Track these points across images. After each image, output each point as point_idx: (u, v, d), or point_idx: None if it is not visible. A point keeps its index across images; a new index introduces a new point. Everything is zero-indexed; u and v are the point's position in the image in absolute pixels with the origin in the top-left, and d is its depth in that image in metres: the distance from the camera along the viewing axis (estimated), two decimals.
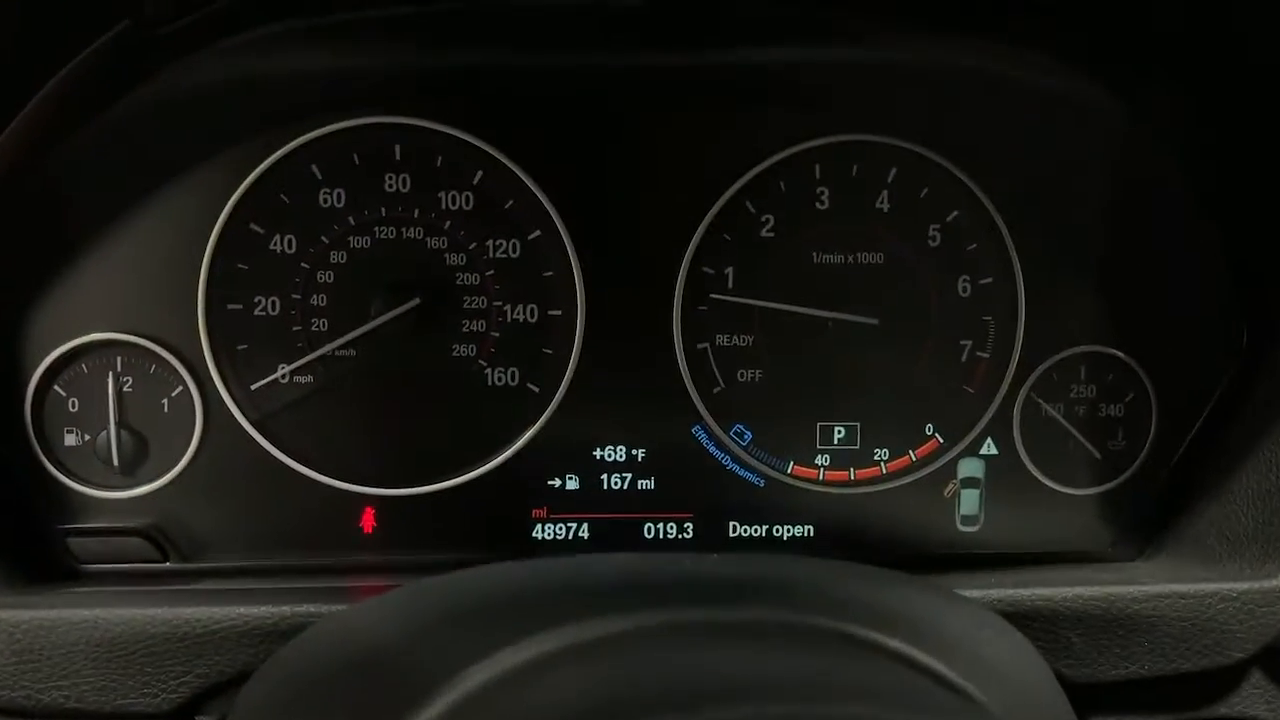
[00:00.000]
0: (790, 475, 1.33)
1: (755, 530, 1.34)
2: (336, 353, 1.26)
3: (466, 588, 0.81)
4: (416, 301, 1.25)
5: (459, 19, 1.21)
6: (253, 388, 1.26)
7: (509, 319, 1.29)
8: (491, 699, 0.67)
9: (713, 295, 1.31)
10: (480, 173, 1.27)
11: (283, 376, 1.26)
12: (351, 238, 1.26)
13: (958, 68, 1.28)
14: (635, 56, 1.26)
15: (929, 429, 1.34)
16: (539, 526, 1.32)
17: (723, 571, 0.80)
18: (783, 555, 0.87)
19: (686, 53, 1.26)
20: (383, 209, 1.26)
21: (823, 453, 1.34)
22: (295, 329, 1.26)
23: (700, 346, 1.31)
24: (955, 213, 1.32)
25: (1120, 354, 1.33)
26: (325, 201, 1.25)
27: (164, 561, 1.25)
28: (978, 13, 1.21)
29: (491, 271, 1.28)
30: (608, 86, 1.27)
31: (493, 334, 1.29)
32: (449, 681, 0.69)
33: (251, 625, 1.02)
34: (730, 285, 1.31)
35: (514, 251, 1.28)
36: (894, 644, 0.71)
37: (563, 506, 1.32)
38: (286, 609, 1.03)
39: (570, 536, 1.32)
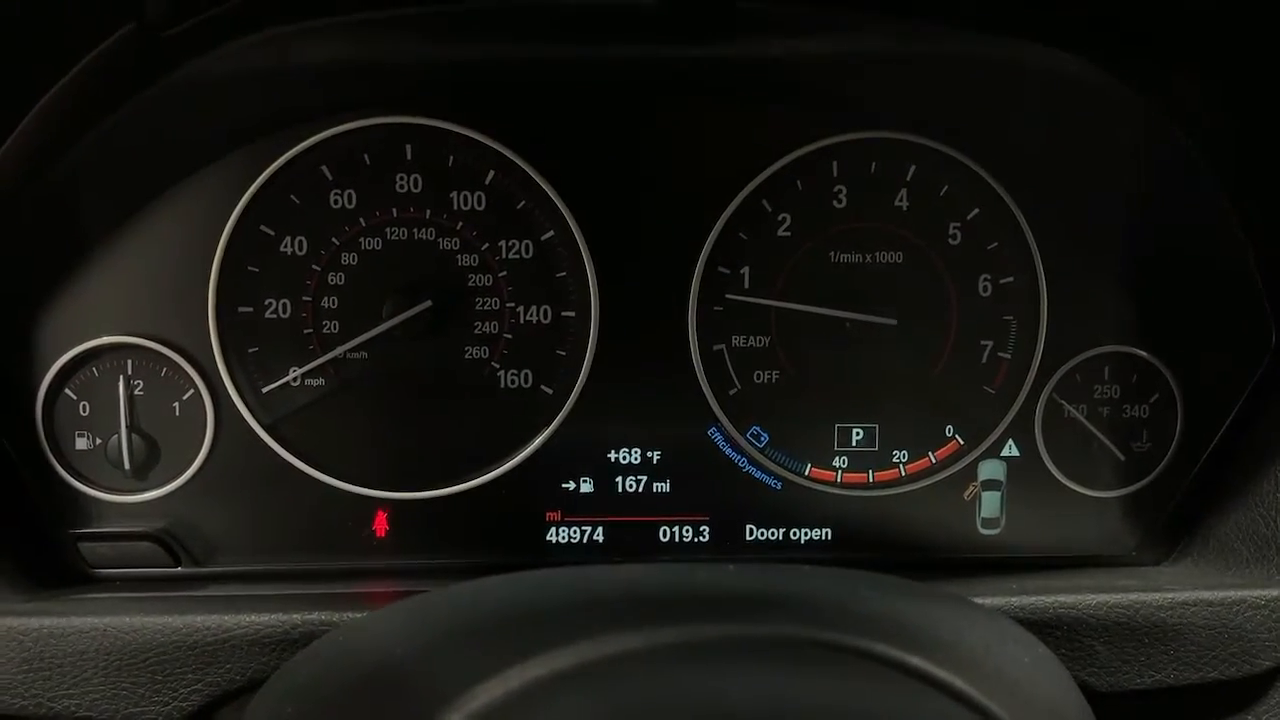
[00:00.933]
0: (808, 477, 1.32)
1: (772, 533, 1.32)
2: (348, 355, 1.25)
3: (478, 600, 0.79)
4: (428, 303, 1.23)
5: (470, 18, 1.19)
6: (264, 391, 1.25)
7: (522, 320, 1.27)
8: (505, 712, 0.66)
9: (728, 296, 1.29)
10: (492, 173, 1.25)
11: (294, 379, 1.25)
12: (363, 239, 1.25)
13: (977, 64, 1.25)
14: (648, 54, 1.24)
15: (949, 430, 1.32)
16: (553, 530, 1.30)
17: (737, 584, 0.78)
18: (799, 566, 0.85)
19: (700, 50, 1.24)
20: (394, 210, 1.25)
21: (841, 455, 1.32)
22: (306, 331, 1.25)
23: (716, 348, 1.29)
24: (976, 210, 1.29)
25: (1145, 354, 1.31)
26: (336, 202, 1.24)
27: (175, 566, 1.24)
28: (998, 9, 1.19)
29: (504, 273, 1.27)
30: (620, 84, 1.26)
31: (505, 336, 1.27)
32: (459, 698, 0.67)
33: (262, 633, 1.01)
34: (746, 285, 1.29)
35: (527, 252, 1.27)
36: (914, 661, 0.69)
37: (577, 509, 1.30)
38: (297, 617, 1.02)
39: (585, 540, 1.30)
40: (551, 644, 0.68)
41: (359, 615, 1.00)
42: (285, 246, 1.24)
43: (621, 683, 0.66)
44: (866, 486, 1.32)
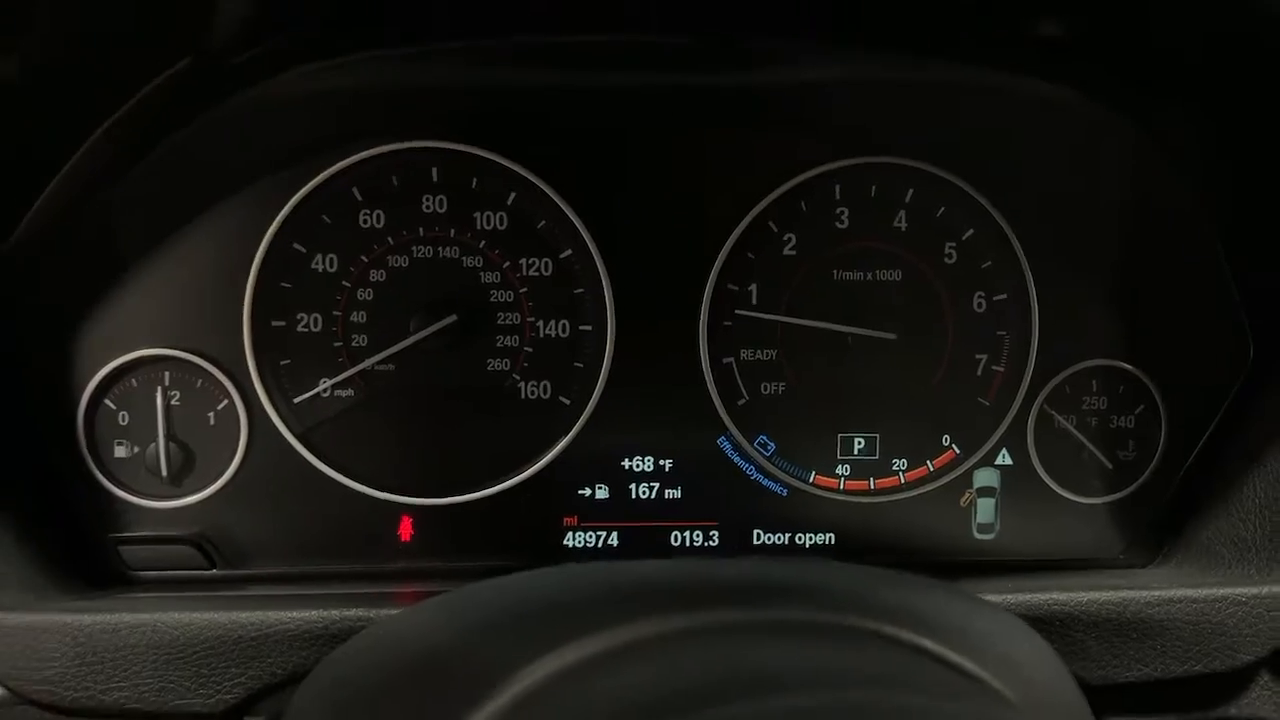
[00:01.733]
0: (812, 485, 1.38)
1: (778, 538, 1.38)
2: (376, 368, 1.31)
3: (520, 590, 0.85)
4: (453, 318, 1.30)
5: (496, 52, 1.26)
6: (295, 401, 1.31)
7: (541, 334, 1.34)
8: (545, 696, 0.71)
9: (738, 311, 1.35)
10: (514, 194, 1.31)
11: (324, 391, 1.31)
12: (390, 257, 1.31)
13: (972, 93, 1.33)
14: (663, 85, 1.31)
15: (946, 440, 1.39)
16: (570, 534, 1.36)
17: (760, 575, 0.85)
18: (818, 561, 0.91)
19: (711, 81, 1.31)
20: (420, 229, 1.31)
21: (843, 463, 1.38)
22: (336, 345, 1.31)
23: (725, 361, 1.36)
24: (970, 231, 1.36)
25: (1130, 368, 1.38)
26: (365, 222, 1.30)
27: (210, 569, 1.29)
28: (992, 45, 1.26)
29: (525, 289, 1.33)
30: (636, 112, 1.32)
31: (526, 349, 1.34)
32: (502, 682, 0.72)
33: (303, 629, 1.07)
34: (754, 302, 1.36)
35: (546, 270, 1.33)
36: (925, 642, 0.76)
37: (593, 515, 1.36)
38: (336, 613, 1.07)
39: (600, 544, 1.36)
40: (598, 627, 0.74)
41: (402, 609, 1.05)
42: (317, 264, 1.30)
43: (661, 662, 0.71)
44: (868, 493, 1.39)
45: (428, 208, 1.31)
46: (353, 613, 1.08)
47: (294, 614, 1.07)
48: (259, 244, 1.27)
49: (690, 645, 0.74)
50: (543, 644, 0.74)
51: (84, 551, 1.26)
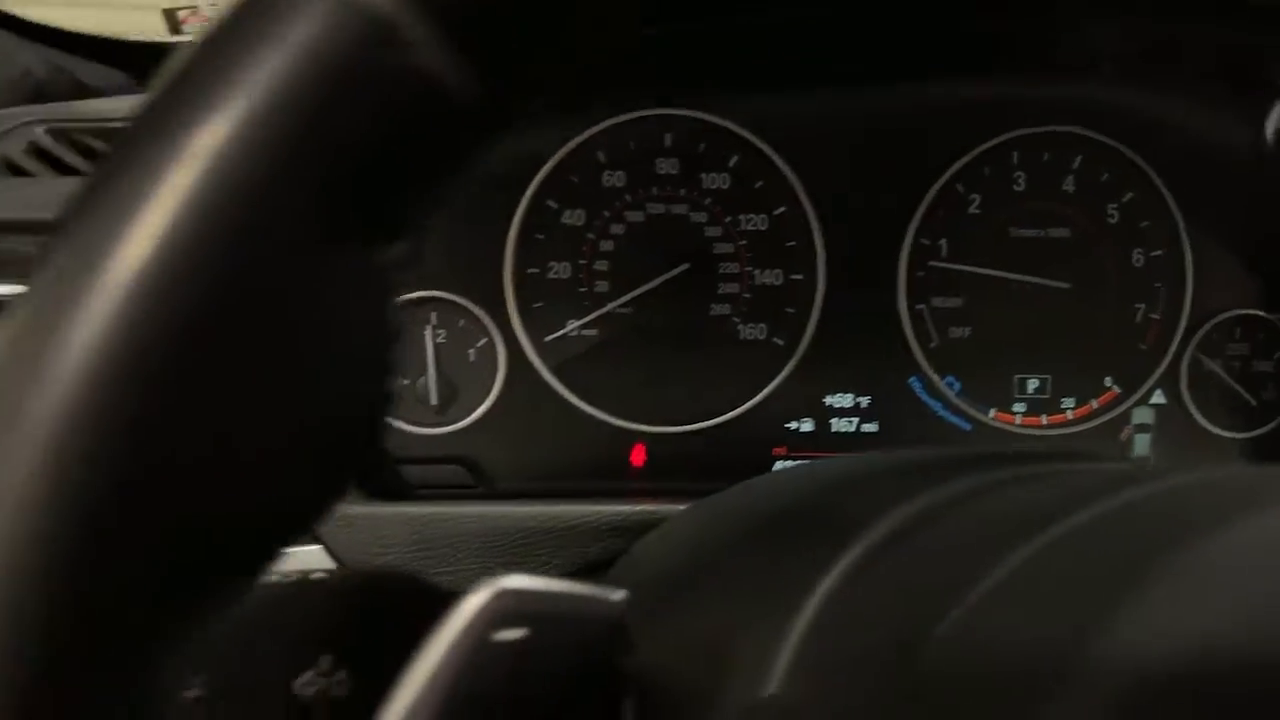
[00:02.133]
0: (992, 420, 1.54)
1: None
2: (617, 310, 1.47)
3: (852, 464, 1.01)
4: (686, 266, 1.47)
5: (722, 30, 1.43)
6: (546, 340, 1.47)
7: (758, 282, 1.50)
8: (911, 531, 0.86)
9: (930, 263, 1.52)
10: (736, 157, 1.48)
11: (572, 331, 1.47)
12: (628, 213, 1.47)
13: (1137, 63, 1.50)
14: (866, 70, 1.48)
15: (1108, 381, 1.55)
16: (779, 463, 1.53)
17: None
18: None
19: (909, 68, 1.48)
20: (654, 188, 1.47)
21: (1019, 401, 1.55)
22: (582, 290, 1.47)
23: (919, 308, 1.52)
24: (1131, 194, 1.52)
25: (1271, 317, 1.54)
26: (608, 182, 1.47)
27: (475, 486, 1.46)
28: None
29: (744, 242, 1.49)
30: (844, 90, 1.48)
31: (745, 295, 1.50)
32: (867, 529, 0.87)
33: (602, 521, 1.23)
34: (944, 254, 1.52)
35: (763, 225, 1.49)
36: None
37: (799, 446, 1.52)
38: (636, 507, 1.24)
39: None
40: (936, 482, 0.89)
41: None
42: (567, 218, 1.46)
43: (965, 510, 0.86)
44: (1040, 428, 1.55)
45: (661, 170, 1.47)
46: (646, 507, 1.24)
47: (597, 508, 1.23)
48: (520, 202, 1.44)
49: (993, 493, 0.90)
50: (903, 491, 0.87)
51: (374, 471, 1.42)
